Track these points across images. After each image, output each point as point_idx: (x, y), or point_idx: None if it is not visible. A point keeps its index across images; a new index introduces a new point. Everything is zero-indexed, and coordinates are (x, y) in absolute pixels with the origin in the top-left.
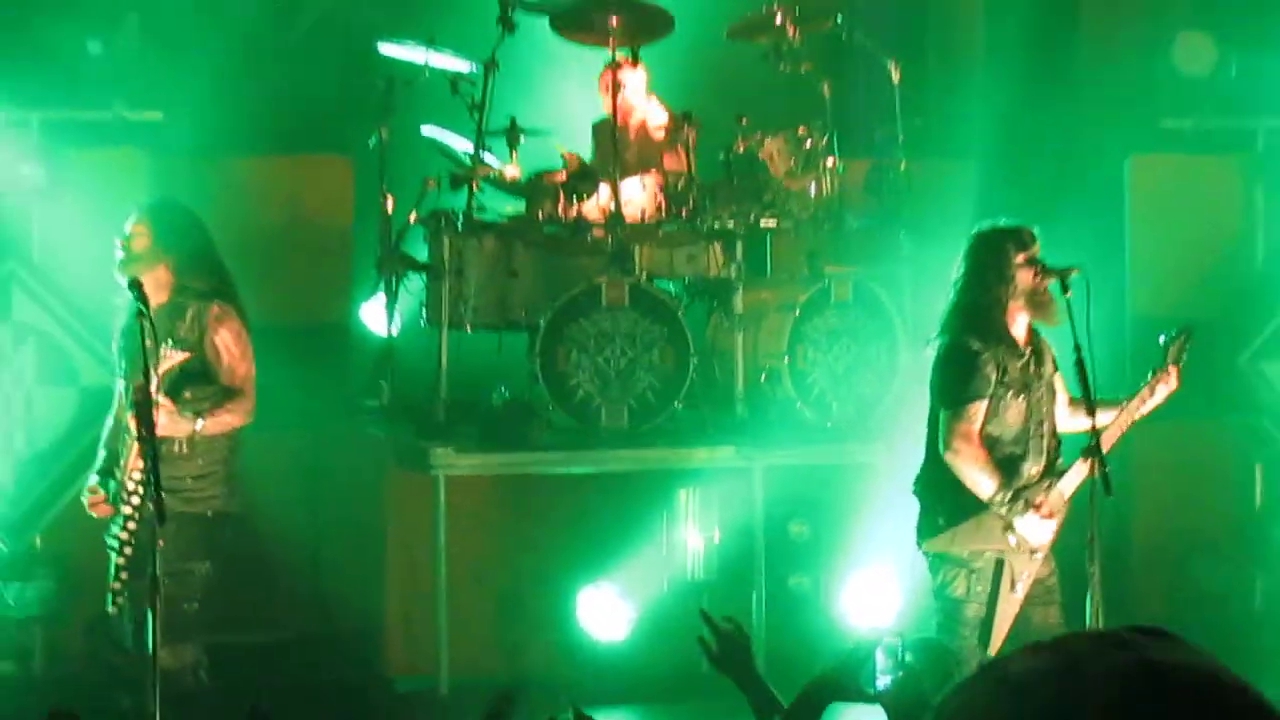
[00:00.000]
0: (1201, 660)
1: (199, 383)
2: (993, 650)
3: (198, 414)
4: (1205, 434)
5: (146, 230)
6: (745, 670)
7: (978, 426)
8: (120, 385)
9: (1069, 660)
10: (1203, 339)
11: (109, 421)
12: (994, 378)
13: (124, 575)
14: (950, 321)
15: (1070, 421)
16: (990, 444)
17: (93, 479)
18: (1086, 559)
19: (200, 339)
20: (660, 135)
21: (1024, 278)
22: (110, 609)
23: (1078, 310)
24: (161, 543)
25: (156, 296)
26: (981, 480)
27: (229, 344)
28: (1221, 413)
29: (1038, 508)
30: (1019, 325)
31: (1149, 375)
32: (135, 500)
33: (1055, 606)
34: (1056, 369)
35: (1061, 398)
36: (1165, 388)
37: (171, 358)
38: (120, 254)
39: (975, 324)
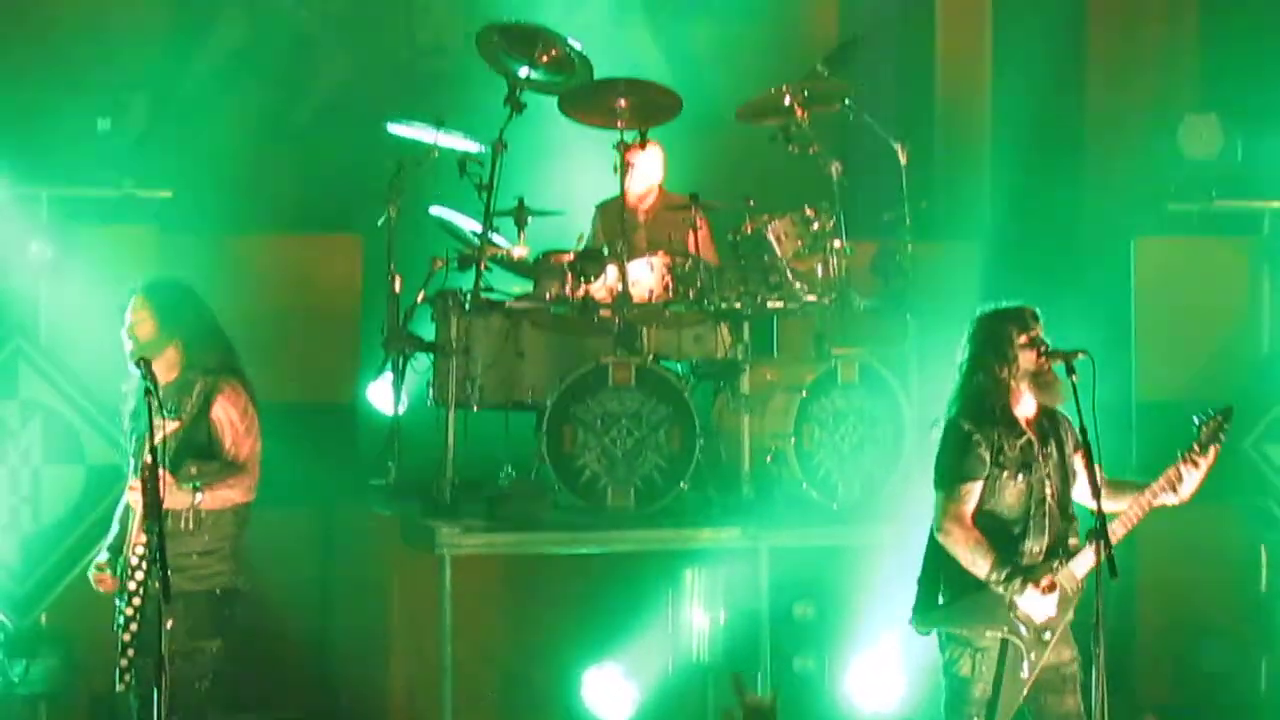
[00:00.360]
0: None
1: (203, 457)
2: None
3: (197, 488)
4: (1211, 517)
5: (149, 315)
6: None
7: (970, 507)
8: (131, 464)
9: None
10: (1195, 438)
11: (124, 498)
12: (988, 458)
13: (130, 652)
14: (952, 403)
15: (1104, 502)
16: (990, 522)
17: (102, 556)
18: (1092, 641)
19: (205, 413)
20: (674, 216)
21: (1026, 359)
22: (119, 686)
23: (1083, 393)
24: (171, 623)
25: (166, 375)
26: (975, 559)
27: (234, 419)
28: (1227, 496)
29: (1037, 584)
30: (1025, 405)
31: (1177, 456)
32: (139, 576)
33: (1073, 695)
34: (1082, 448)
35: (1083, 477)
36: (1197, 471)
37: (164, 426)
38: (129, 344)
39: (973, 405)
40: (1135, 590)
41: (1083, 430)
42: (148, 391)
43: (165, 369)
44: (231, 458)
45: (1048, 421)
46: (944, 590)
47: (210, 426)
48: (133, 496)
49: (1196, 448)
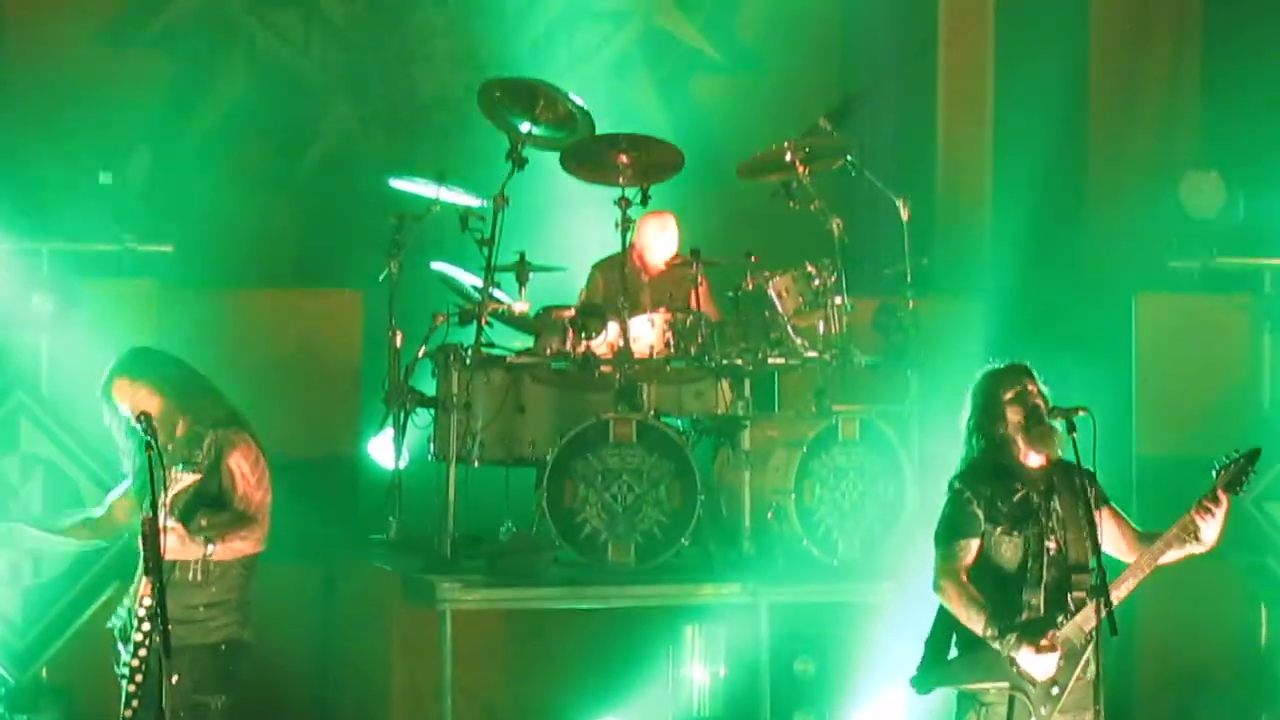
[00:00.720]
0: None
1: (213, 508)
2: None
3: (208, 540)
4: (1211, 574)
5: (146, 389)
6: None
7: (964, 564)
8: (112, 495)
9: None
10: (1207, 479)
11: (87, 512)
12: (982, 515)
13: (135, 704)
14: (959, 465)
15: (1128, 555)
16: (988, 577)
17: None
18: (1092, 698)
19: (216, 464)
20: (680, 274)
21: (1014, 414)
22: None
23: (1084, 449)
24: (176, 677)
25: (175, 433)
26: (970, 616)
27: (245, 471)
28: (1227, 553)
29: (1034, 643)
30: (1030, 460)
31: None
32: (145, 628)
33: None
34: (1106, 504)
35: (1120, 532)
36: (1213, 518)
37: (181, 480)
38: (147, 441)
39: (969, 465)
40: (1135, 646)
41: (1083, 486)
42: (148, 445)
43: (171, 428)
44: (242, 509)
45: (1059, 476)
46: (956, 647)
47: (221, 478)
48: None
49: (1213, 493)
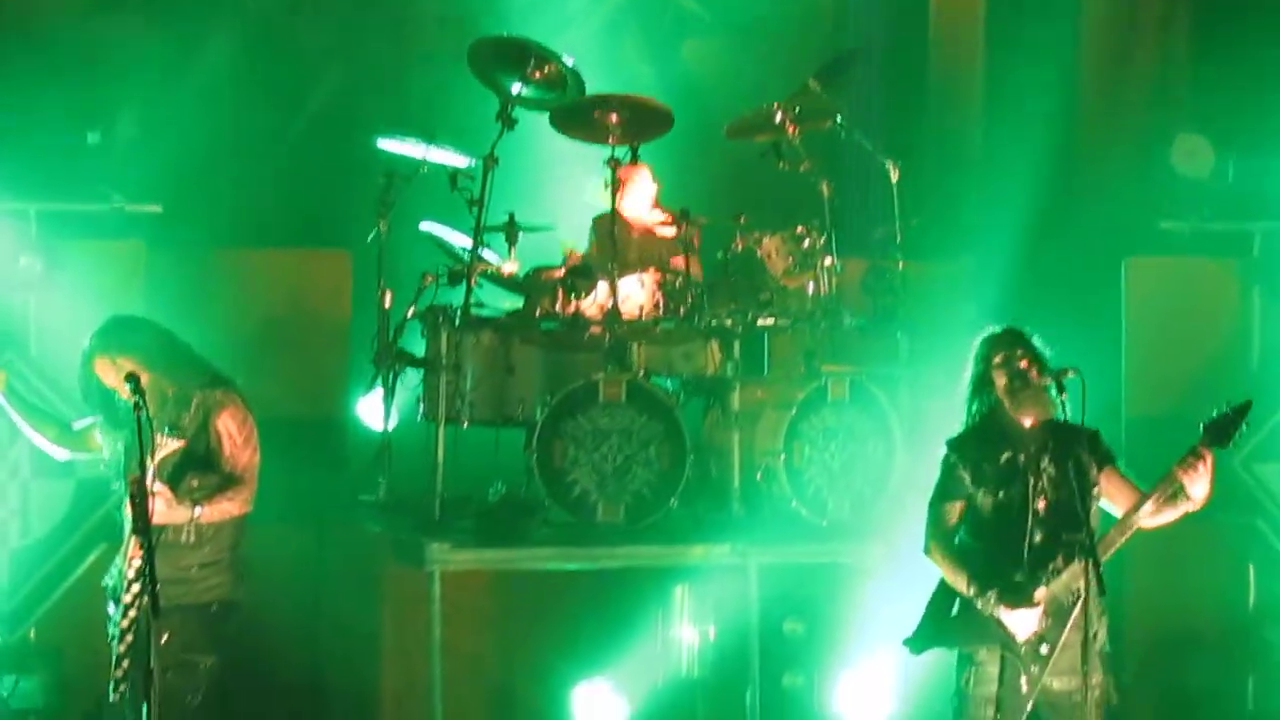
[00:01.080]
0: None
1: (202, 470)
2: None
3: (195, 502)
4: (1199, 534)
5: (134, 364)
6: None
7: (949, 525)
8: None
9: None
10: (1195, 439)
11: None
12: (968, 478)
13: (125, 663)
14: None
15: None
16: (974, 538)
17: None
18: (1081, 659)
19: (204, 426)
20: (661, 233)
21: (1000, 378)
22: (113, 697)
23: (1074, 410)
24: (167, 636)
25: (160, 398)
26: (955, 576)
27: (232, 431)
28: (1215, 513)
29: (1014, 602)
30: (1024, 421)
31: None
32: (135, 589)
33: None
34: (1111, 464)
35: (1125, 492)
36: (1197, 475)
37: (166, 445)
38: (136, 402)
39: (964, 430)
40: (1124, 607)
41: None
42: (136, 406)
43: (158, 395)
44: (229, 470)
45: (1057, 437)
46: (956, 609)
47: (209, 439)
48: (127, 513)
49: (1197, 448)
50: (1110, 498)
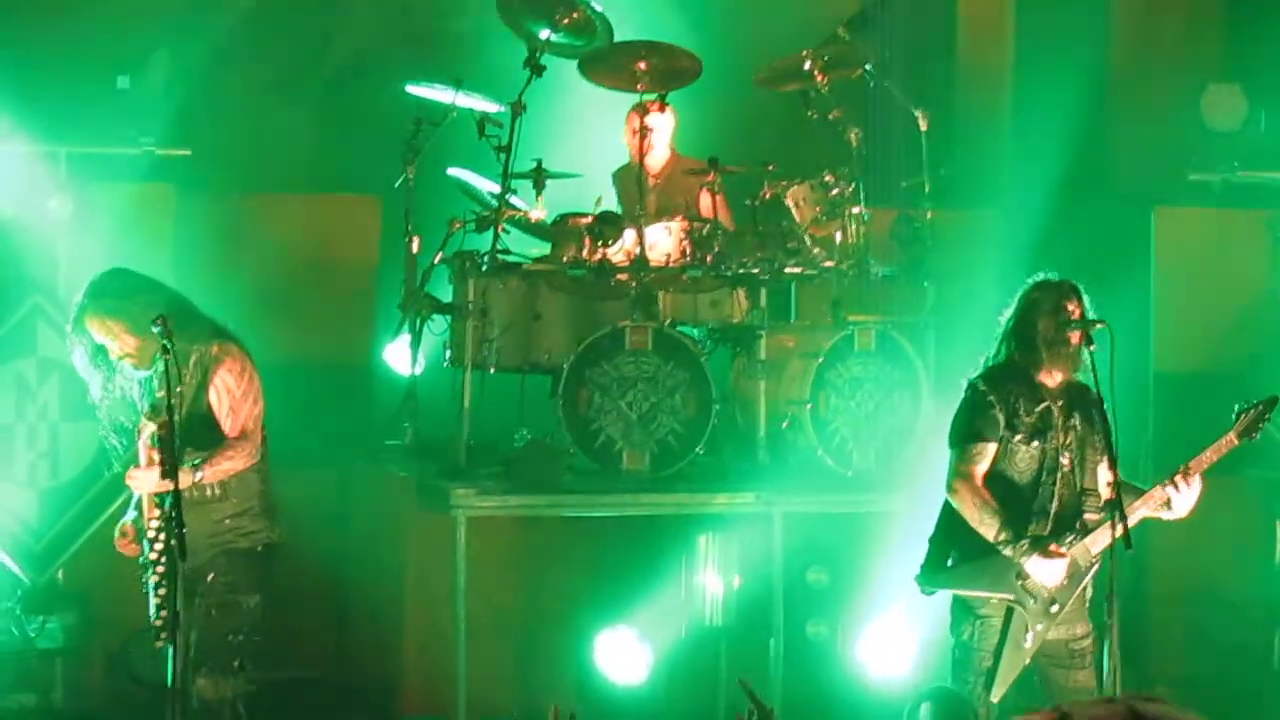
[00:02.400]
0: (1185, 715)
1: (207, 425)
2: (994, 699)
3: (195, 467)
4: (1225, 490)
5: (121, 325)
6: None
7: (982, 468)
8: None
9: (1061, 714)
10: (1224, 394)
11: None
12: (1003, 421)
13: (164, 613)
14: (982, 367)
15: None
16: (1001, 486)
17: (129, 515)
18: (1105, 613)
19: (204, 382)
20: (687, 180)
21: (1046, 326)
22: (158, 644)
23: (1101, 363)
24: (212, 576)
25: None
26: (982, 520)
27: (230, 386)
28: (1241, 469)
29: (1045, 551)
30: (1052, 375)
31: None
32: (159, 546)
33: (1086, 670)
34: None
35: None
36: (1185, 492)
37: (147, 429)
38: (134, 361)
39: (995, 370)
40: (1148, 563)
41: (1099, 399)
42: (165, 349)
43: (149, 354)
44: (229, 426)
45: (1077, 395)
46: (955, 552)
47: (208, 395)
48: (132, 483)
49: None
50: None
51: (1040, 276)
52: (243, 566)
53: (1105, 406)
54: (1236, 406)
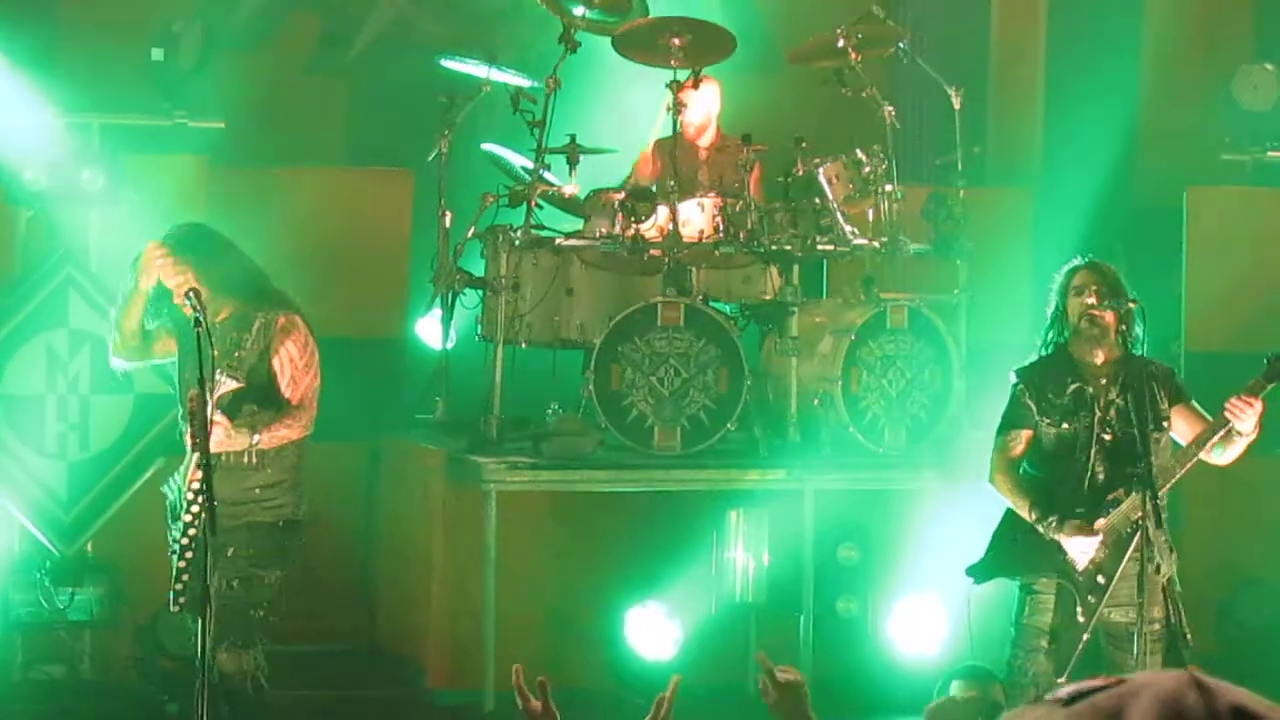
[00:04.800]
0: (1244, 691)
1: (264, 392)
2: (1060, 679)
3: (254, 429)
4: (1253, 468)
5: (196, 272)
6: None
7: (1015, 454)
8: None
9: (1126, 684)
10: (1256, 372)
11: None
12: (1034, 407)
13: (185, 577)
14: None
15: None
16: (1040, 467)
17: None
18: (1138, 591)
19: (265, 350)
20: (721, 156)
21: (1073, 308)
22: (173, 607)
23: (1134, 342)
24: (233, 550)
25: (218, 315)
26: (1017, 503)
27: (294, 356)
28: (1271, 447)
29: (1076, 527)
30: (1094, 355)
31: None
32: (195, 509)
33: (1154, 656)
34: (1184, 401)
35: (1190, 430)
36: (1245, 416)
37: (224, 385)
38: (190, 309)
39: (1035, 359)
40: (1178, 541)
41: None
42: (197, 323)
43: (216, 310)
44: (288, 396)
45: (1130, 371)
46: (1018, 541)
47: (269, 363)
48: (187, 432)
49: (1251, 388)
50: (1182, 435)
51: (1073, 262)
52: (264, 541)
53: (1172, 382)
54: (1269, 354)
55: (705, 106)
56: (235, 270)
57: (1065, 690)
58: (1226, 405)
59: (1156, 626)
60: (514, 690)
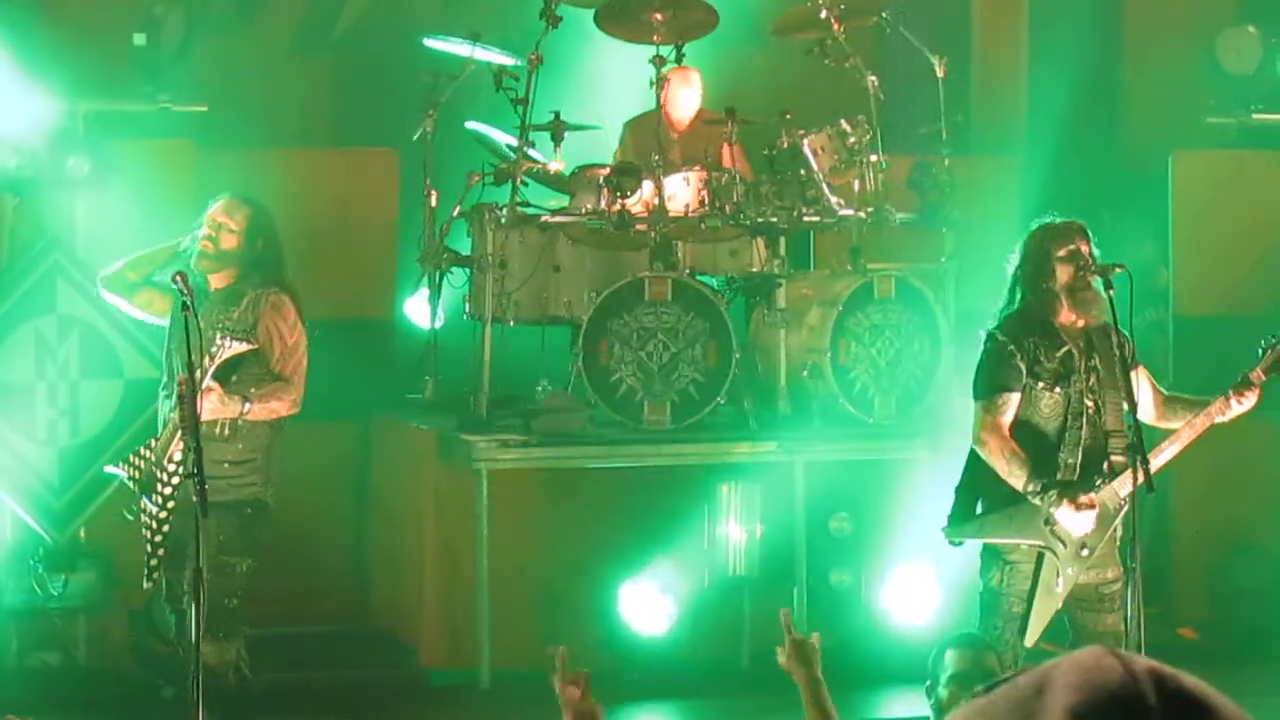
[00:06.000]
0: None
1: (250, 368)
2: (1028, 644)
3: (246, 398)
4: (1245, 431)
5: (240, 231)
6: (811, 675)
7: (1007, 418)
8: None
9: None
10: (1244, 336)
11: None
12: (1024, 369)
13: (160, 553)
14: (997, 316)
15: (1161, 419)
16: (1027, 433)
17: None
18: (1128, 556)
19: (255, 325)
20: (708, 131)
21: (1064, 273)
22: (146, 585)
23: (1121, 306)
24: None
25: (216, 283)
26: (1011, 470)
27: (284, 333)
28: (1263, 411)
29: (1074, 500)
30: (1069, 319)
31: (1238, 379)
32: (175, 482)
33: (1113, 614)
34: (1138, 366)
35: (1148, 394)
36: (1246, 401)
37: (232, 348)
38: (207, 246)
39: (1012, 318)
40: (1170, 506)
41: (1119, 343)
42: (184, 306)
43: (218, 278)
44: (279, 370)
45: (1098, 336)
46: (982, 501)
47: (259, 337)
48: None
49: (1255, 374)
50: (1140, 400)
51: (1046, 219)
52: (232, 527)
53: (1129, 346)
54: (1262, 342)
55: (692, 99)
56: (269, 248)
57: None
58: (1230, 394)
59: (1117, 586)
60: (554, 673)
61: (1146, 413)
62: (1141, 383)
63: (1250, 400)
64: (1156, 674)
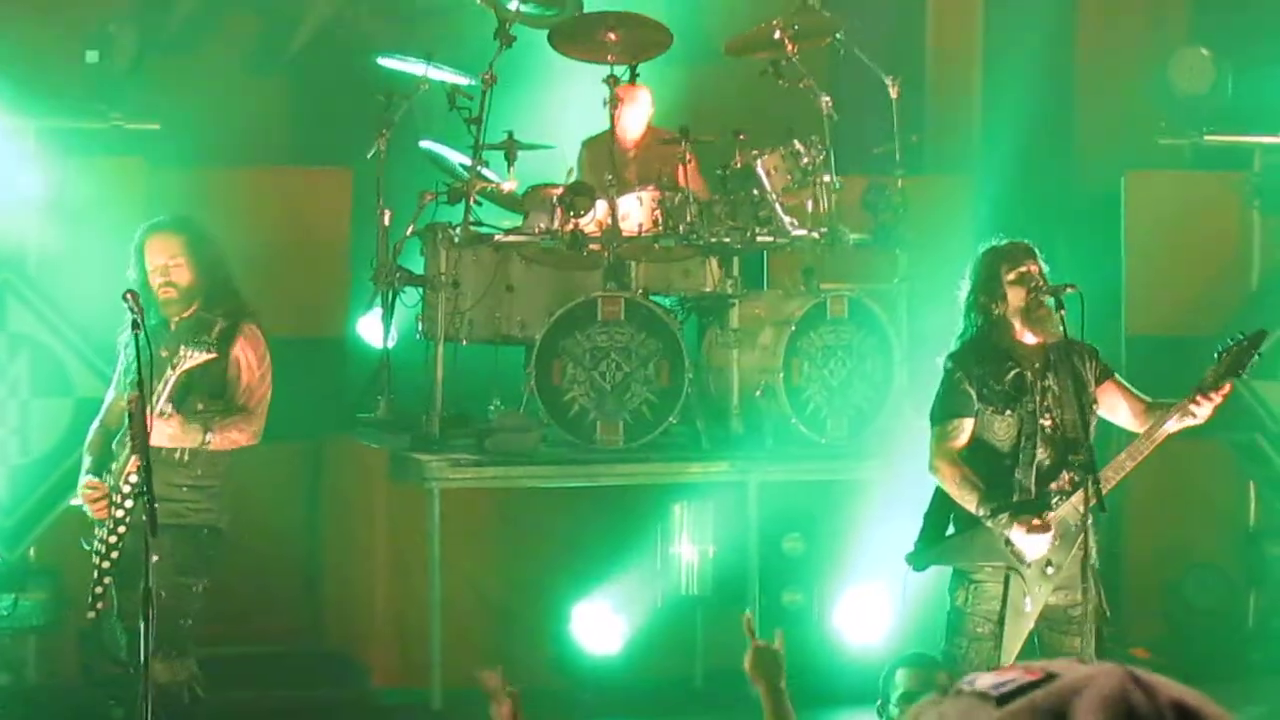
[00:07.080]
0: (1178, 685)
1: (212, 392)
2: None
3: (207, 428)
4: (1199, 452)
5: (187, 264)
6: (774, 685)
7: (959, 444)
8: (110, 395)
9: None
10: (1196, 357)
11: (94, 427)
12: (974, 394)
13: (107, 580)
14: (956, 342)
15: (1138, 426)
16: (982, 456)
17: (89, 477)
18: (1081, 576)
19: (225, 352)
20: (662, 150)
21: (1015, 295)
22: (89, 614)
23: (1073, 327)
24: (157, 557)
25: (181, 313)
26: (963, 495)
27: (253, 364)
28: (1215, 431)
29: (1025, 523)
30: (1025, 339)
31: (1199, 382)
32: (129, 505)
33: (1078, 638)
34: (1110, 377)
35: (1126, 403)
36: (1204, 407)
37: (193, 358)
38: (169, 294)
39: (965, 345)
40: (1124, 526)
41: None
42: (135, 325)
43: (181, 309)
44: (243, 402)
45: (1057, 354)
46: (954, 526)
47: (228, 366)
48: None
49: (1212, 380)
50: (1111, 411)
51: (993, 242)
52: (189, 549)
53: (1094, 360)
54: (1219, 346)
55: (640, 117)
56: (218, 266)
57: (986, 681)
58: (1192, 396)
59: (1079, 611)
60: (483, 690)
61: (1129, 421)
62: (1118, 393)
63: (1207, 409)
64: (1180, 707)
